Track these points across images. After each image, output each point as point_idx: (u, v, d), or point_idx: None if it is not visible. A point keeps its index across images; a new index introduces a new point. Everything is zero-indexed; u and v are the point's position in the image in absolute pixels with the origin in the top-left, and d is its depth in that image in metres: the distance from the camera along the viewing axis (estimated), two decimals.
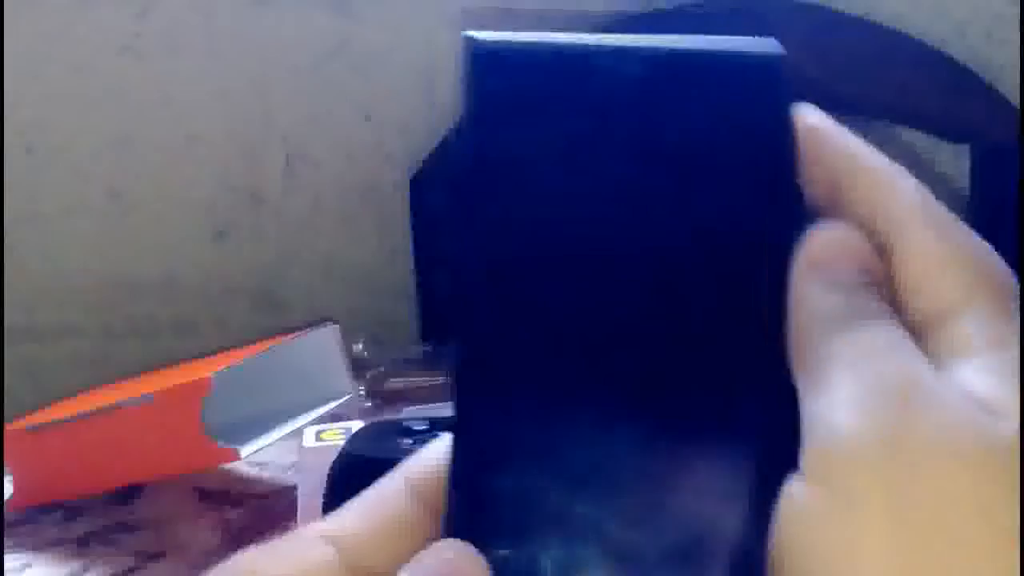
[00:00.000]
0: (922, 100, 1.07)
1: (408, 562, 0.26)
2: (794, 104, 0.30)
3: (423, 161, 1.09)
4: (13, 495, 0.78)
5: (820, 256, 0.28)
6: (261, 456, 0.77)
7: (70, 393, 0.87)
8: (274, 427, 0.76)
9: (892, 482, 0.25)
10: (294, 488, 0.71)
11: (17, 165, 1.08)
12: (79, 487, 0.78)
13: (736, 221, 0.28)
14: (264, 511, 0.76)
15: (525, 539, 0.26)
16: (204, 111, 1.10)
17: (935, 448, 0.25)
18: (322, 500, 0.62)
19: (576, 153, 0.28)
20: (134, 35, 1.07)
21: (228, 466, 0.79)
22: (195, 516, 0.76)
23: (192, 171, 1.11)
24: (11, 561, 0.71)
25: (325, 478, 0.61)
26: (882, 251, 0.29)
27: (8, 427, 0.80)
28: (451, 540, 0.26)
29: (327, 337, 0.83)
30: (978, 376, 0.26)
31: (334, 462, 0.62)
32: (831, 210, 0.29)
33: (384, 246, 1.13)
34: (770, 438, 0.27)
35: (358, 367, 0.89)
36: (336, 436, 0.70)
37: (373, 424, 0.69)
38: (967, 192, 1.10)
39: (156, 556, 0.71)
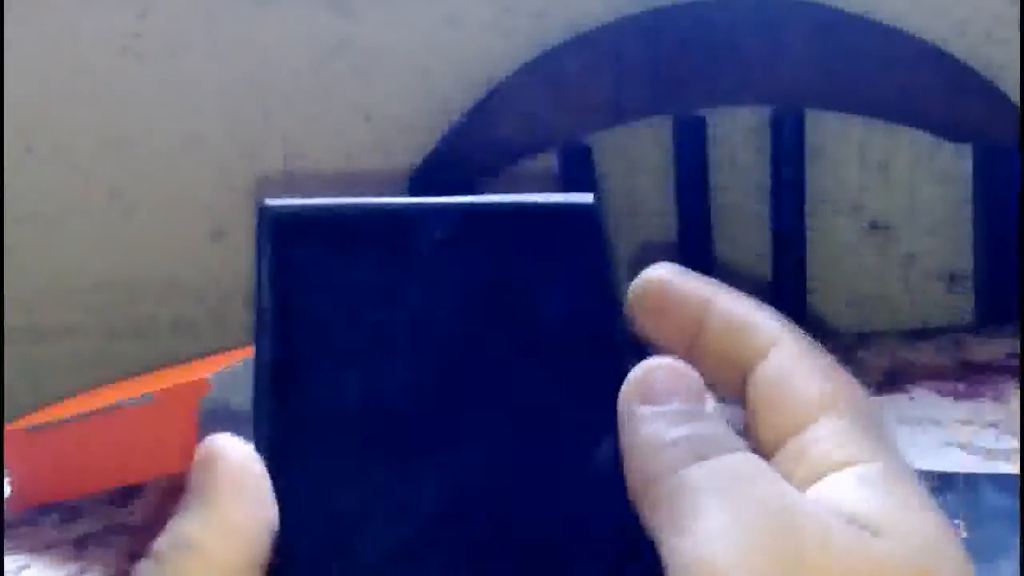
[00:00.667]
0: (923, 99, 1.07)
1: None
2: (608, 250, 0.28)
3: (423, 161, 1.09)
4: (12, 496, 0.78)
5: (654, 389, 0.27)
6: None
7: (70, 393, 0.87)
8: None
9: None
10: None
11: (17, 165, 1.08)
12: (78, 487, 0.78)
13: (558, 370, 0.27)
14: None
15: None
16: (204, 111, 1.10)
17: (824, 575, 0.24)
18: None
19: (385, 318, 0.26)
20: (134, 35, 1.07)
21: None
22: None
23: (192, 171, 1.11)
24: (10, 563, 0.71)
25: None
26: (739, 381, 0.28)
27: (7, 427, 0.80)
28: None
29: None
30: (846, 491, 0.25)
31: None
32: (688, 358, 0.28)
33: None
34: None
35: None
36: None
37: None
38: (968, 192, 1.10)
39: None
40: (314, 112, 1.10)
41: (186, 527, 0.26)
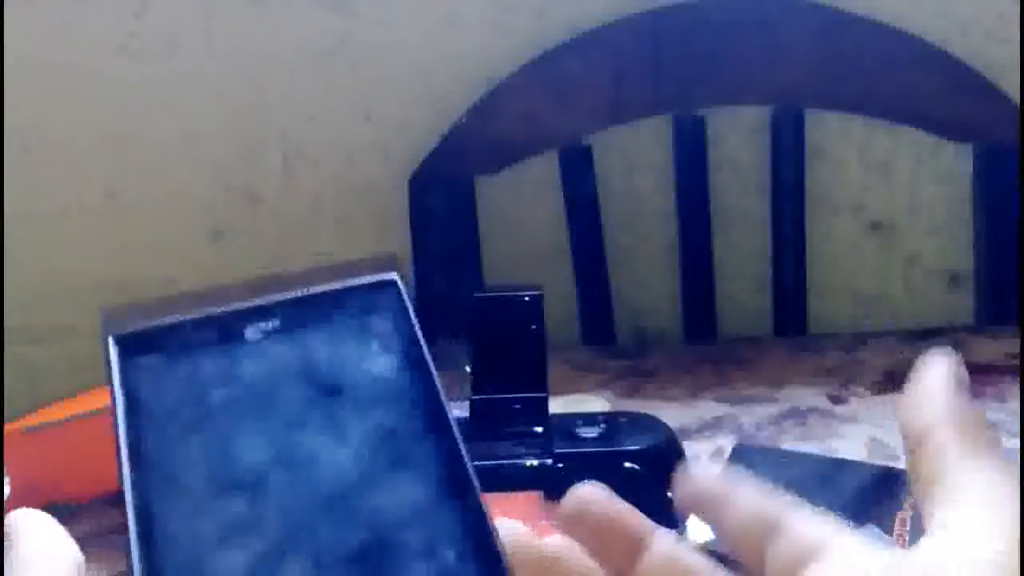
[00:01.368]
0: (924, 99, 1.07)
1: None
2: (414, 315, 0.31)
3: (423, 161, 1.08)
4: (11, 496, 0.78)
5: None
6: None
7: (68, 393, 0.86)
8: None
9: None
10: None
11: (14, 164, 1.08)
12: (78, 488, 0.78)
13: (385, 423, 0.29)
14: None
15: None
16: (202, 110, 1.09)
17: None
18: None
19: (224, 402, 0.29)
20: (131, 34, 1.07)
21: None
22: None
23: (189, 171, 1.11)
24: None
25: None
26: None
27: (6, 428, 0.79)
28: None
29: None
30: None
31: None
32: None
33: (383, 246, 1.13)
34: None
35: None
36: None
37: None
38: (969, 192, 1.10)
39: None
40: (313, 112, 1.10)
41: None
